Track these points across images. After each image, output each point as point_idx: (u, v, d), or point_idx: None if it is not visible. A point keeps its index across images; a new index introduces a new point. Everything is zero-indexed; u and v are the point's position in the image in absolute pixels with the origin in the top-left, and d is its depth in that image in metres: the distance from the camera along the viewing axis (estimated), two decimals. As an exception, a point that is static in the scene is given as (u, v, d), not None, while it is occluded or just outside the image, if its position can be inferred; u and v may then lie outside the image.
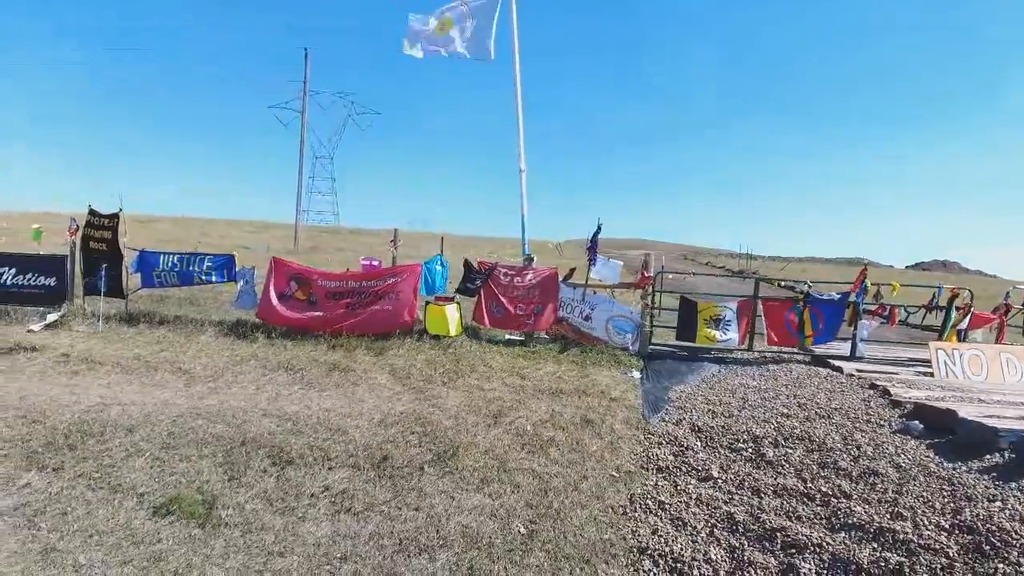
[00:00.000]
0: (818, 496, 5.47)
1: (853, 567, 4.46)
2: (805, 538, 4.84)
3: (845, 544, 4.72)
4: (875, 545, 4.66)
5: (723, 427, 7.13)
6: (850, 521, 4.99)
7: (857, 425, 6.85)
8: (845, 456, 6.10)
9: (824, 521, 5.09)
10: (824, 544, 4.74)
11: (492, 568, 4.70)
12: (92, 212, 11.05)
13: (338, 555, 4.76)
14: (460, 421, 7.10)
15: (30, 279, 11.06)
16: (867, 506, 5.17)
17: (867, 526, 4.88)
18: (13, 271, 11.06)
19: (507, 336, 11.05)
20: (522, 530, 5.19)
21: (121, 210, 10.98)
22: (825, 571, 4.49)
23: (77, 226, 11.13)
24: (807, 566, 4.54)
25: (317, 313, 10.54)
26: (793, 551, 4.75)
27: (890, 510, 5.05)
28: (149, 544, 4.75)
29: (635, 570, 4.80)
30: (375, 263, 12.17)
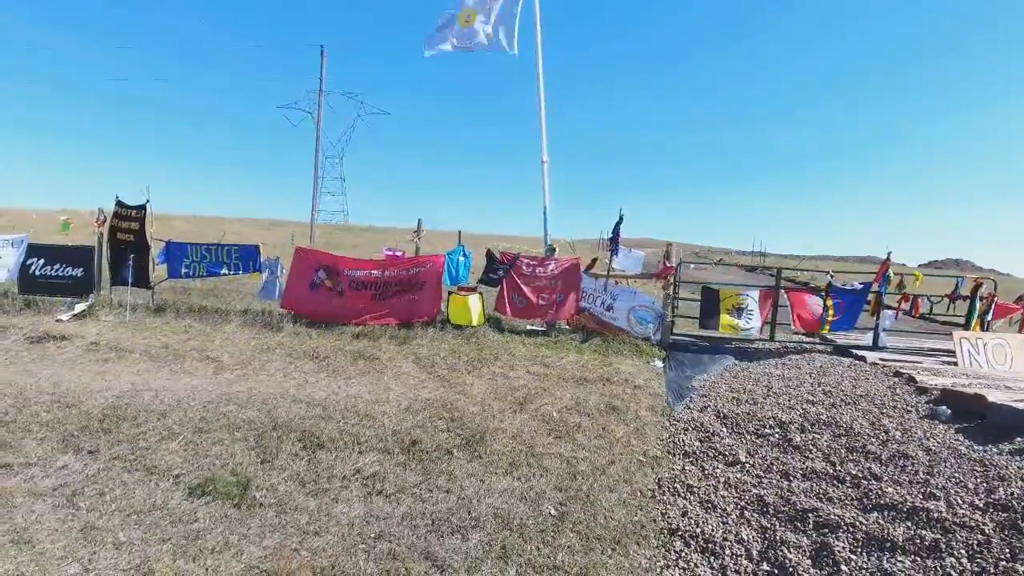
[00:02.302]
0: (848, 478, 5.48)
1: (888, 544, 4.47)
2: (837, 518, 4.85)
3: (879, 523, 4.73)
4: (909, 524, 4.67)
5: (748, 414, 7.15)
6: (882, 502, 5.00)
7: (884, 411, 6.85)
8: (873, 440, 6.11)
9: (856, 502, 5.10)
10: (857, 523, 4.75)
11: (525, 548, 4.73)
12: (119, 203, 11.14)
13: (372, 534, 4.80)
14: (486, 407, 7.14)
15: (58, 270, 11.19)
16: (898, 487, 5.18)
17: (900, 506, 4.89)
18: (41, 262, 11.19)
19: (528, 326, 11.10)
20: (553, 512, 5.22)
21: (148, 201, 11.07)
22: (859, 549, 4.51)
23: (104, 217, 11.23)
24: (840, 544, 4.55)
25: (342, 302, 10.61)
26: (826, 530, 4.76)
27: (922, 491, 5.06)
28: (186, 523, 4.82)
29: (667, 550, 4.83)
30: (398, 253, 12.24)
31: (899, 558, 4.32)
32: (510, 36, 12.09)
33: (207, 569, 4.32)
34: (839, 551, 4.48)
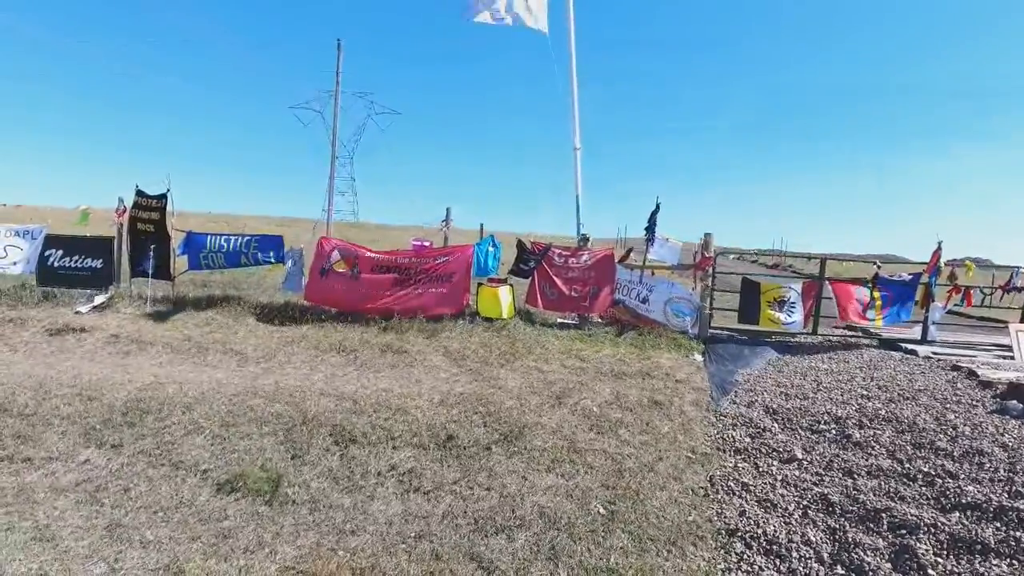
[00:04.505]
0: (920, 476, 5.13)
1: (979, 547, 4.12)
2: (915, 518, 4.50)
3: (963, 524, 4.38)
4: (998, 524, 4.31)
5: (800, 409, 6.80)
6: (963, 501, 4.65)
7: (948, 406, 6.49)
8: (942, 436, 5.75)
9: (932, 501, 4.75)
10: (939, 524, 4.40)
11: (575, 548, 4.44)
12: (140, 192, 10.83)
13: (412, 534, 4.54)
14: (523, 402, 6.85)
15: (77, 261, 10.91)
16: (979, 486, 4.82)
17: (984, 505, 4.53)
18: (60, 253, 10.92)
19: (560, 319, 10.75)
20: (601, 511, 4.93)
21: (169, 190, 10.81)
22: (945, 551, 4.15)
23: (124, 207, 10.96)
24: (924, 547, 4.20)
25: (364, 290, 10.27)
26: (904, 532, 4.41)
27: (1007, 489, 4.70)
28: (216, 521, 4.58)
29: (727, 552, 4.50)
30: (426, 244, 11.95)
31: (993, 561, 3.97)
32: (541, 15, 11.74)
33: (240, 569, 4.08)
34: (923, 554, 4.13)
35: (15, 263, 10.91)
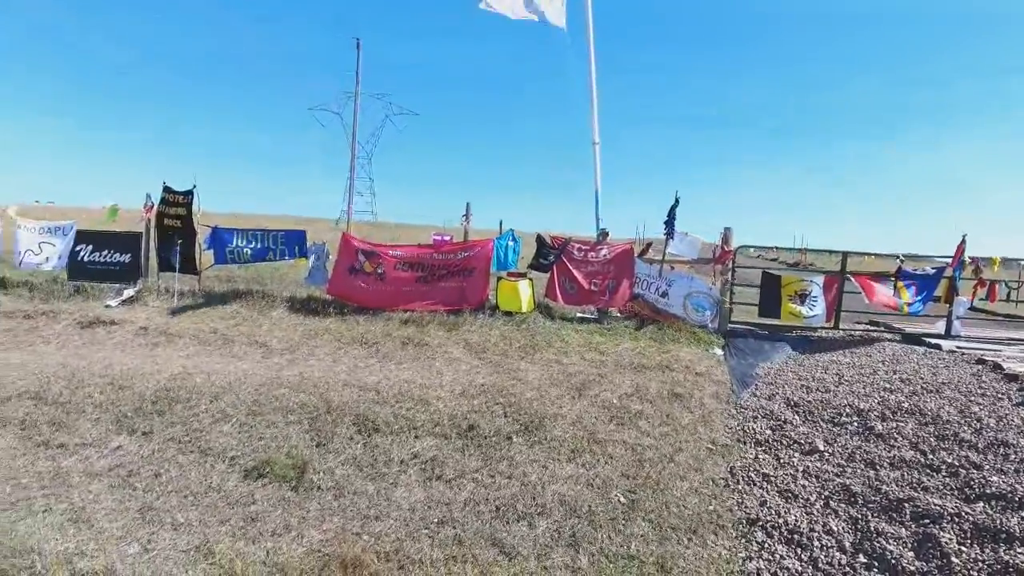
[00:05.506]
0: (943, 467, 5.11)
1: (1003, 535, 4.11)
2: (938, 508, 4.50)
3: (987, 513, 4.36)
4: (1023, 514, 4.30)
5: (821, 401, 6.79)
6: (988, 491, 4.63)
7: (972, 399, 6.45)
8: (966, 429, 5.72)
9: (956, 491, 4.74)
10: (962, 514, 4.39)
11: (596, 536, 4.49)
12: (167, 189, 11.05)
13: (435, 520, 4.61)
14: (543, 393, 6.89)
15: (106, 256, 11.15)
16: (1004, 476, 4.80)
17: (1009, 495, 4.51)
18: (90, 248, 11.18)
19: (579, 314, 10.75)
20: (622, 500, 4.97)
21: (195, 186, 11.02)
22: (969, 540, 4.15)
23: (152, 203, 11.15)
24: (947, 536, 4.19)
25: (388, 288, 10.38)
26: (927, 521, 4.41)
27: (1032, 480, 4.68)
28: (244, 505, 4.69)
29: (747, 541, 4.53)
30: (446, 238, 12.01)
31: (1018, 549, 3.95)
32: (559, 9, 11.72)
33: (268, 551, 4.17)
34: (946, 542, 4.13)
35: (48, 259, 11.17)
